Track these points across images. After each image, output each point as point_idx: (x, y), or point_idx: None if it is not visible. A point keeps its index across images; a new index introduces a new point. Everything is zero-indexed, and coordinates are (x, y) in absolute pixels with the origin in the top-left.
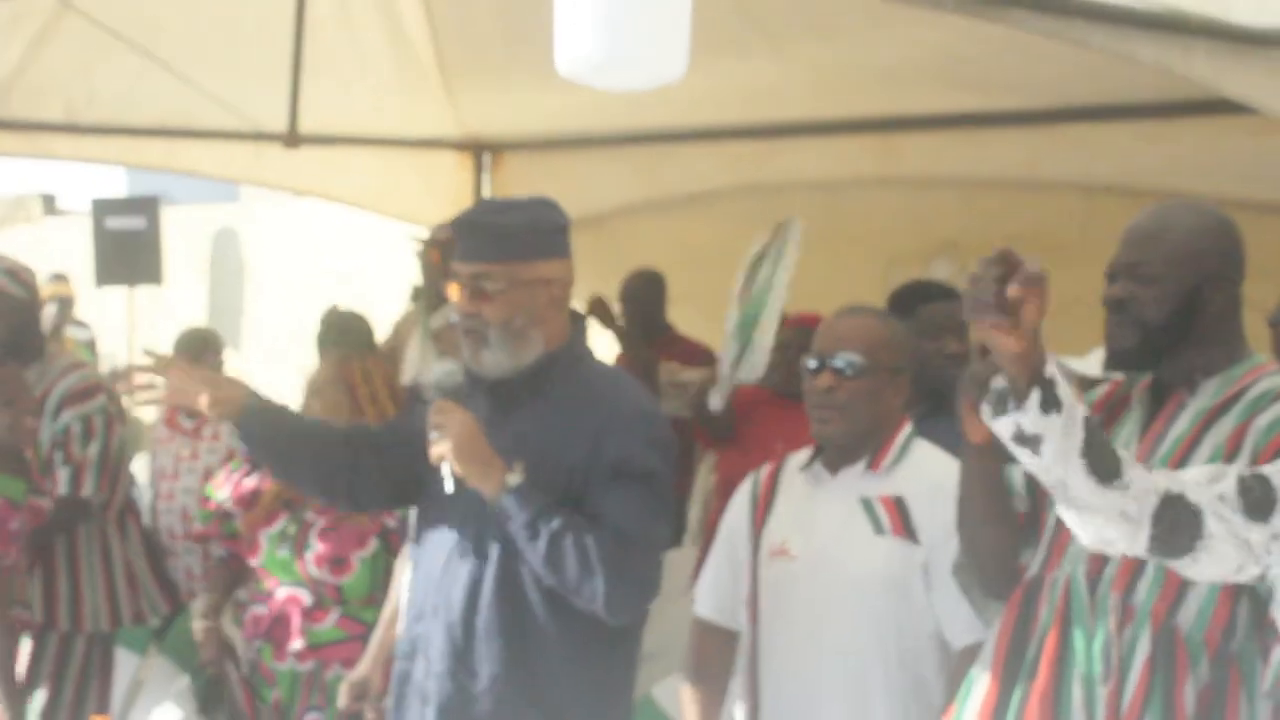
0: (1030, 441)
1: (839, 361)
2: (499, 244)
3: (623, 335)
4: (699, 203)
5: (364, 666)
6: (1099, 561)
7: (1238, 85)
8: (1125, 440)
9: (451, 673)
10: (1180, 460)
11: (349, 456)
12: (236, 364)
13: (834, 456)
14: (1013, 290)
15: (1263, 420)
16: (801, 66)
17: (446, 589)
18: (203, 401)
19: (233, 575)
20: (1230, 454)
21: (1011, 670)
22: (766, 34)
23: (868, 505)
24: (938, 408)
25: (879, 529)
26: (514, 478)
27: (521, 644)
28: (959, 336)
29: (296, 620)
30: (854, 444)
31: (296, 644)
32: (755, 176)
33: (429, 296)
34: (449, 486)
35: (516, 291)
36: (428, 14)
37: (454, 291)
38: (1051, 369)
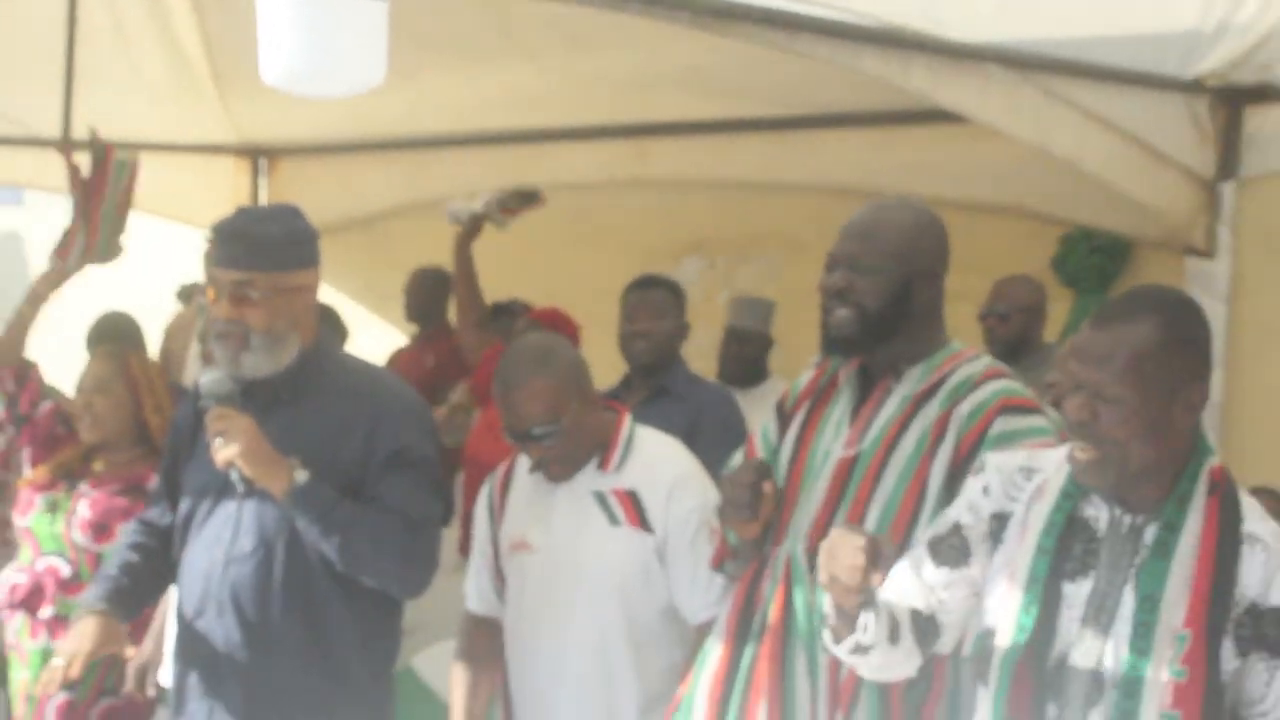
0: (862, 651)
1: (536, 432)
2: (262, 254)
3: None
4: None
5: (147, 649)
6: (817, 538)
7: (951, 96)
8: (836, 422)
9: (253, 661)
10: (891, 442)
11: (166, 545)
12: None
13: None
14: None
15: (964, 408)
16: (559, 77)
17: (232, 583)
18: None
19: None
20: (935, 438)
21: (741, 638)
22: (526, 48)
23: (601, 499)
24: (656, 392)
25: (614, 521)
26: (301, 475)
27: (315, 623)
28: (651, 316)
29: (51, 590)
30: (579, 464)
31: (47, 611)
32: (517, 179)
33: None
34: (239, 489)
35: (278, 298)
36: (200, 24)
37: (213, 296)
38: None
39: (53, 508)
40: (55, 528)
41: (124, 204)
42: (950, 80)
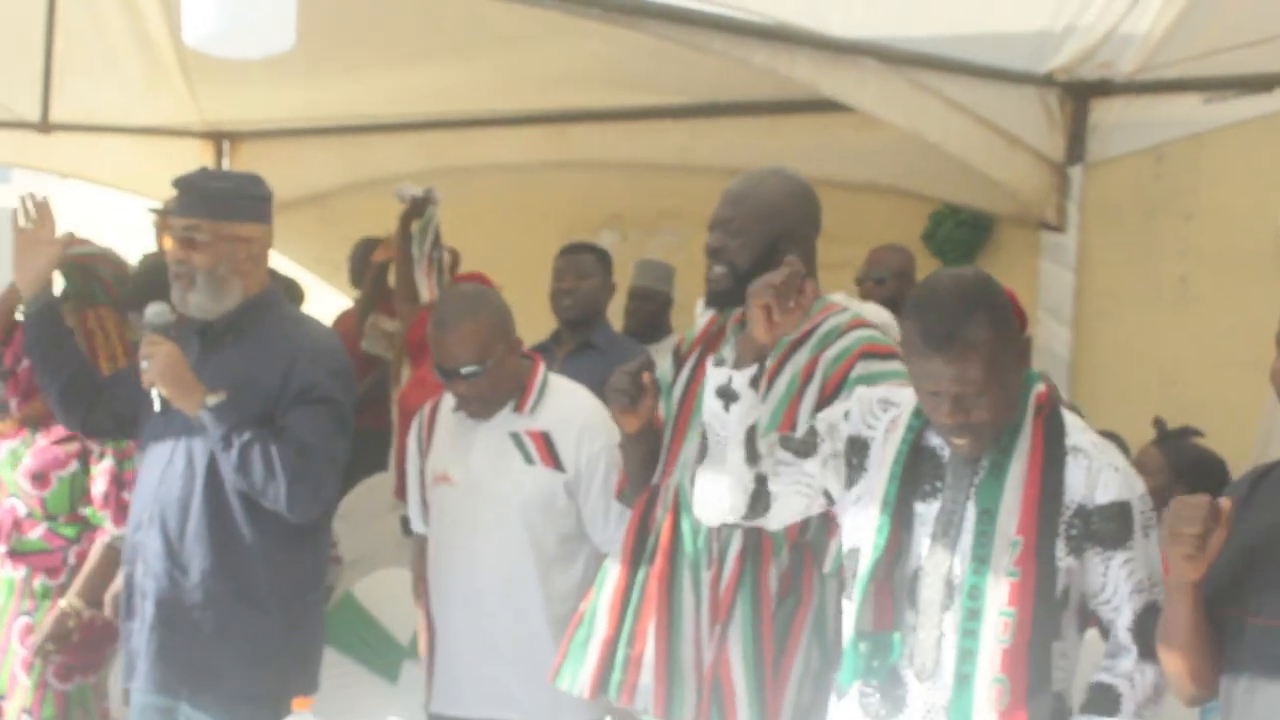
0: (730, 396)
1: (463, 371)
2: (209, 203)
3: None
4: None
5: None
6: None
7: (833, 87)
8: None
9: (167, 572)
10: (766, 385)
11: (94, 389)
12: None
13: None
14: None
15: (830, 353)
16: (488, 69)
17: (161, 499)
18: (28, 261)
19: None
20: (804, 381)
21: (636, 560)
22: (455, 44)
23: (518, 439)
24: (581, 346)
25: (529, 459)
26: (212, 399)
27: (226, 544)
28: (576, 276)
29: (8, 527)
30: (498, 404)
31: (1, 547)
32: (452, 161)
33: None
34: (157, 407)
35: (220, 245)
36: (166, 16)
37: (167, 242)
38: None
39: (13, 455)
40: (13, 474)
41: None
42: (831, 72)
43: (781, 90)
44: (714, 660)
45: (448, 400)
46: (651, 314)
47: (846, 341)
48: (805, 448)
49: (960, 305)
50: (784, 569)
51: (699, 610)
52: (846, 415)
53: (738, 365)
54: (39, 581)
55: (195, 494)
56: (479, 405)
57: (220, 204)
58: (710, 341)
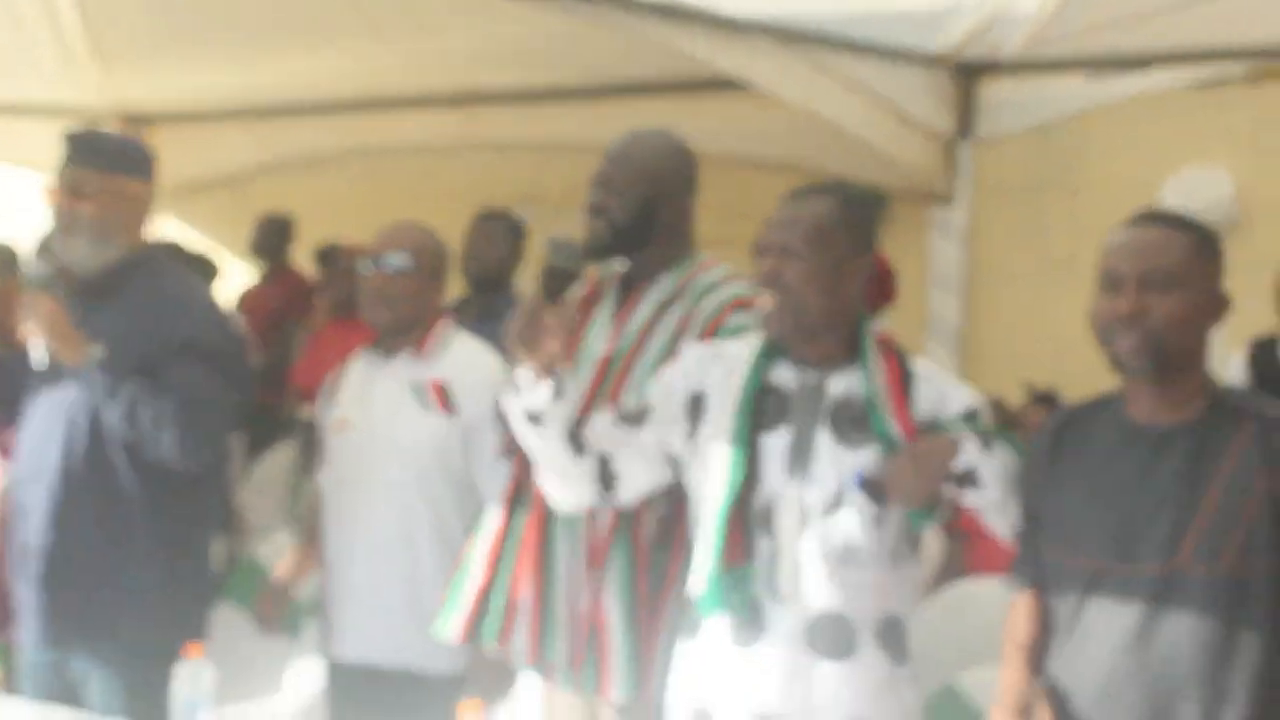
0: (536, 419)
1: (390, 261)
2: (99, 156)
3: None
4: (316, 165)
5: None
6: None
7: (729, 64)
8: (601, 325)
9: (53, 526)
10: (641, 343)
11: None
12: None
13: (386, 344)
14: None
15: (705, 306)
16: (398, 49)
17: (44, 455)
18: None
19: None
20: (678, 333)
21: (514, 507)
22: (369, 22)
23: (416, 387)
24: (487, 311)
25: (425, 405)
26: (96, 351)
27: (110, 497)
28: (483, 241)
29: None
30: (402, 331)
31: None
32: (363, 142)
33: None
34: (41, 362)
35: (106, 197)
36: (79, 2)
37: (53, 194)
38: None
39: None
40: None
41: None
42: (727, 50)
43: (683, 69)
44: (589, 606)
45: (358, 356)
46: (564, 293)
47: (721, 295)
48: (640, 417)
49: (826, 187)
50: (660, 514)
51: (574, 556)
52: (685, 374)
53: (529, 388)
54: None
55: (78, 449)
56: (385, 312)
57: (110, 157)
58: (591, 300)
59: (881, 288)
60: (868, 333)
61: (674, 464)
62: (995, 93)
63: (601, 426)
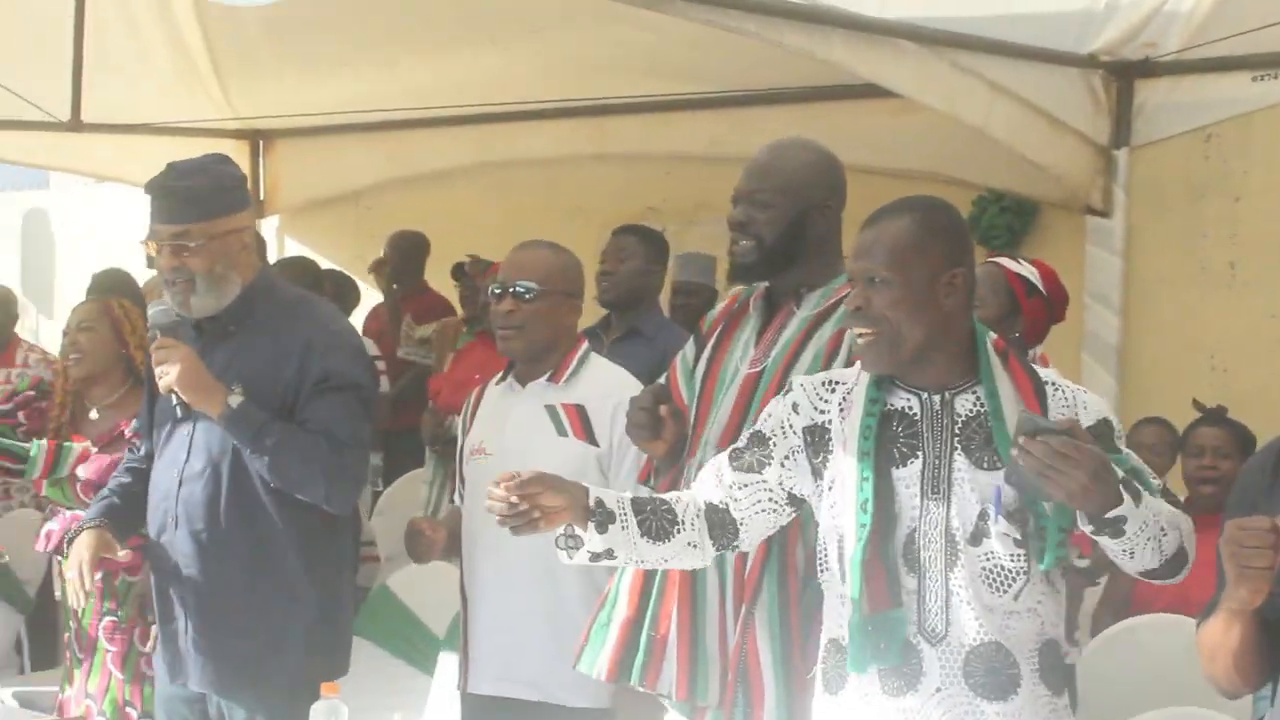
0: (600, 558)
1: (519, 287)
2: (195, 205)
3: (385, 290)
4: (439, 178)
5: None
6: (727, 444)
7: (868, 69)
8: (745, 342)
9: (202, 573)
10: (790, 361)
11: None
12: (49, 329)
13: (522, 371)
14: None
15: None
16: (523, 61)
17: (185, 502)
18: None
19: None
20: (830, 354)
21: None
22: (491, 34)
23: (552, 411)
24: (628, 332)
25: (562, 431)
26: (235, 399)
27: (258, 540)
28: (615, 259)
29: None
30: (535, 358)
31: None
32: (488, 156)
33: None
34: (179, 413)
35: (213, 244)
36: (199, 20)
37: (154, 249)
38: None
39: (56, 479)
40: (65, 493)
41: None
42: (867, 55)
43: (817, 76)
44: (739, 643)
45: (494, 380)
46: (697, 309)
47: None
48: (758, 459)
49: (904, 202)
50: (811, 548)
51: (724, 591)
52: (795, 408)
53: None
54: (120, 580)
55: (221, 494)
56: (516, 342)
57: (204, 204)
58: (733, 319)
59: (1052, 309)
60: (985, 345)
61: (797, 503)
62: (1152, 95)
63: (719, 471)
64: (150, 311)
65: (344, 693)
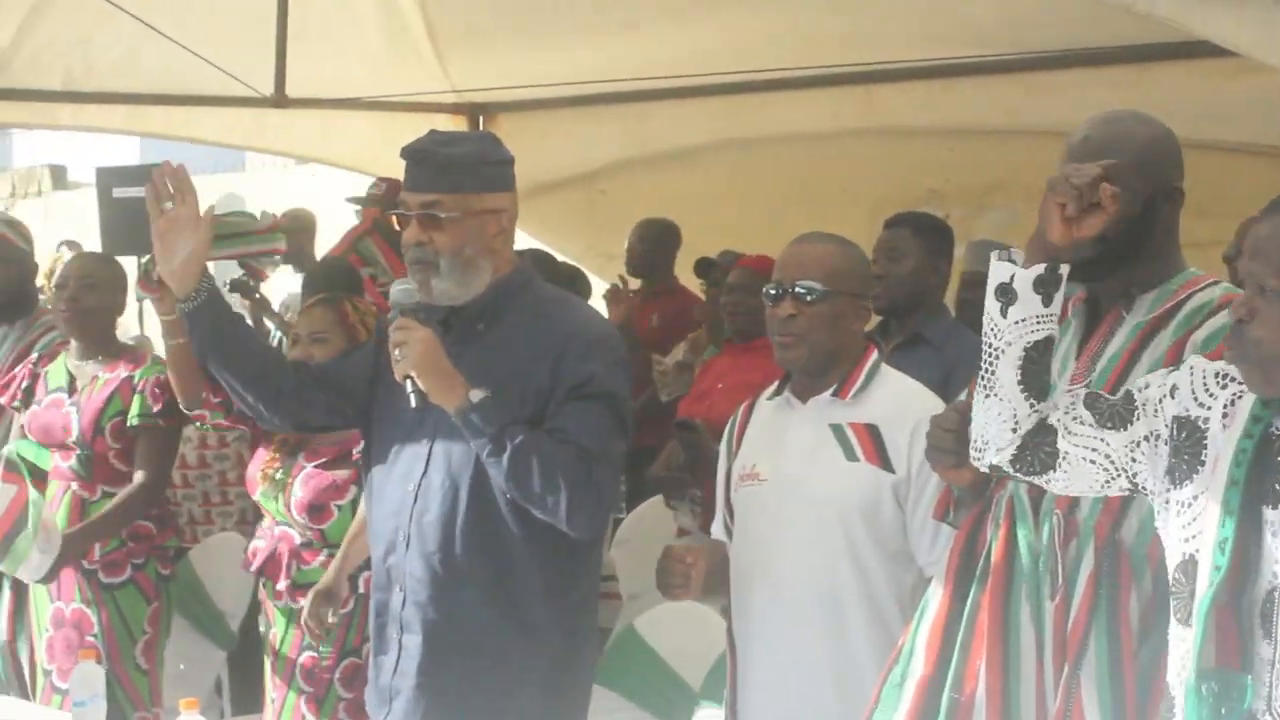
0: (1007, 295)
1: (800, 288)
2: (451, 174)
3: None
4: (684, 157)
5: (329, 577)
6: None
7: (1202, 24)
8: (1063, 356)
9: (434, 600)
10: (1118, 376)
11: (296, 382)
12: None
13: (801, 384)
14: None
15: (1201, 334)
16: (779, 23)
17: (419, 519)
18: (173, 249)
19: None
20: (1170, 366)
21: (961, 584)
22: None
23: (839, 431)
24: (911, 338)
25: (851, 455)
26: (477, 394)
27: (501, 567)
28: (886, 258)
29: (285, 558)
30: (818, 369)
31: (283, 583)
32: (738, 131)
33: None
34: (414, 402)
35: (467, 221)
36: None
37: (402, 222)
38: (1062, 275)
39: (274, 484)
40: (279, 504)
41: None
42: (1202, 8)
43: (1135, 33)
44: (1061, 709)
45: (765, 394)
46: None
47: (1221, 320)
48: (1115, 418)
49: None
50: (1147, 598)
51: (1041, 647)
52: (1173, 391)
53: (1025, 263)
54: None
55: (460, 511)
56: (797, 351)
57: (463, 173)
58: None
59: None
60: None
61: (1135, 485)
62: None
63: (1070, 408)
64: (393, 290)
65: None
